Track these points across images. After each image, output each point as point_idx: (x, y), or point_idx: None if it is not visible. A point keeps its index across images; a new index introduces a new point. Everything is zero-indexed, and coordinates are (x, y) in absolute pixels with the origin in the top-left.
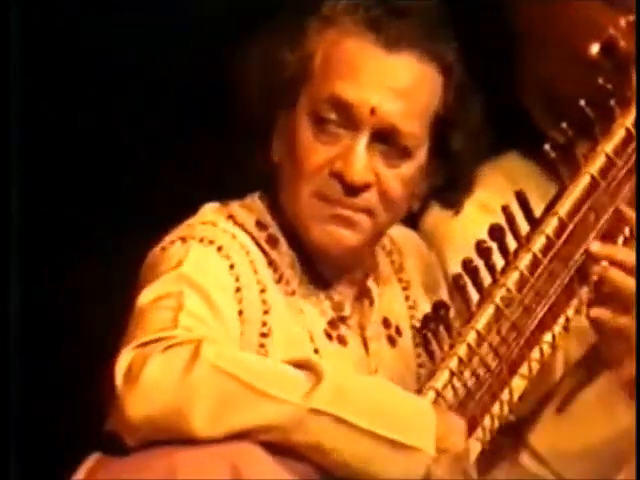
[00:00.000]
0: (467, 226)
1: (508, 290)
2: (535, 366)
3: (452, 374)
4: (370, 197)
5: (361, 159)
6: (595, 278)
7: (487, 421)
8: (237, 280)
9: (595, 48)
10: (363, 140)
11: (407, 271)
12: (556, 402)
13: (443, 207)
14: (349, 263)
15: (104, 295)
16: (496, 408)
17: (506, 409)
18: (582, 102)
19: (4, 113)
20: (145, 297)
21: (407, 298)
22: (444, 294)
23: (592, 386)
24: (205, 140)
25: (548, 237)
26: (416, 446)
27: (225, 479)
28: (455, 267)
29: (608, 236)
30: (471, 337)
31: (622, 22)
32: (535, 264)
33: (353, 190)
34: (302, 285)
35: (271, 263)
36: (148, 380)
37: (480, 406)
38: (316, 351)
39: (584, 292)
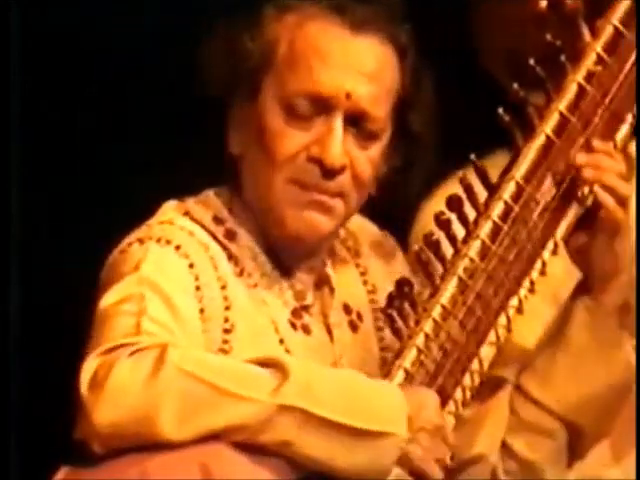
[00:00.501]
0: None
1: (471, 260)
2: (503, 332)
3: (419, 351)
4: (344, 180)
5: (339, 142)
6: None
7: (459, 393)
8: (197, 279)
9: (543, 3)
10: (339, 123)
11: (364, 256)
12: (552, 348)
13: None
14: (314, 250)
15: None
16: (467, 379)
17: (477, 379)
18: (531, 61)
19: (4, 113)
20: (107, 300)
21: (365, 283)
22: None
23: (583, 326)
24: (209, 139)
25: (506, 202)
26: (387, 431)
27: None
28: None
29: (567, 194)
30: (436, 312)
31: None
32: (496, 231)
33: (332, 174)
34: (264, 277)
35: (231, 257)
36: (114, 386)
37: (451, 379)
38: (281, 341)
39: (547, 251)
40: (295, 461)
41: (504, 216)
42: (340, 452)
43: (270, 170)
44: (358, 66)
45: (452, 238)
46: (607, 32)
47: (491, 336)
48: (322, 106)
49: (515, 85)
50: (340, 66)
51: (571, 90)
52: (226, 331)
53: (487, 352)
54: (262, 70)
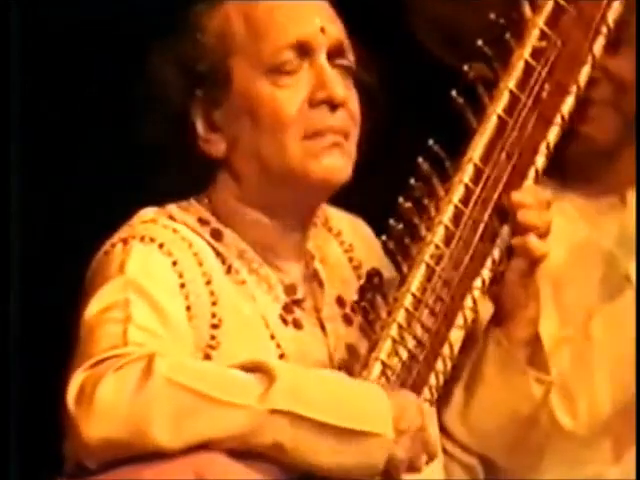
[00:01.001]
0: None
1: (436, 247)
2: (470, 314)
3: (394, 341)
4: (345, 116)
5: (334, 74)
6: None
7: (433, 379)
8: (181, 276)
9: None
10: (323, 58)
11: (357, 251)
12: (464, 380)
13: None
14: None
15: None
16: (439, 365)
17: (449, 364)
18: (480, 42)
19: (4, 113)
20: (92, 309)
21: (360, 277)
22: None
23: (492, 359)
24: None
25: (467, 186)
26: (376, 432)
27: None
28: None
29: (520, 173)
30: (408, 301)
31: None
32: (458, 215)
33: (342, 103)
34: (252, 273)
35: (219, 255)
36: (102, 401)
37: (425, 366)
38: (272, 337)
39: (505, 231)
40: (286, 464)
41: (465, 199)
42: (329, 453)
43: (280, 136)
44: (318, 9)
45: (414, 227)
46: (548, 7)
47: (459, 320)
48: (304, 51)
49: (465, 67)
50: (305, 11)
51: (518, 68)
52: (214, 326)
53: (456, 336)
54: (224, 58)
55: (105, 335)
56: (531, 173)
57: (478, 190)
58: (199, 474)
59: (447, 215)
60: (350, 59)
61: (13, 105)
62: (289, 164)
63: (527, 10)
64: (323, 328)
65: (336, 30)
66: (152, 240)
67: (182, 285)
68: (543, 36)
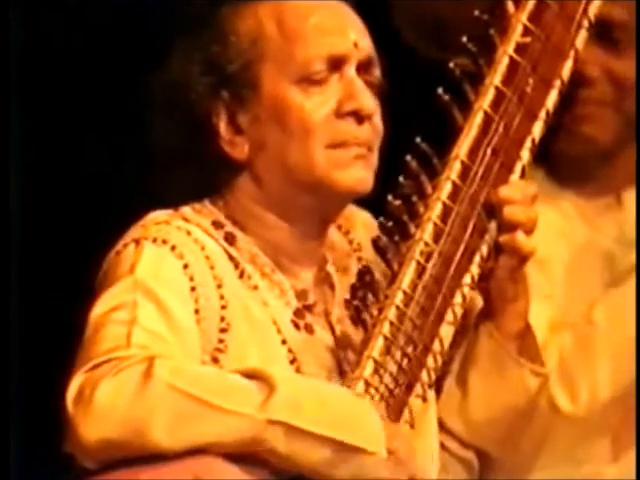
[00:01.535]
0: None
1: (426, 244)
2: (459, 310)
3: (386, 339)
4: (369, 129)
5: (364, 88)
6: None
7: (424, 376)
8: (192, 279)
9: None
10: (353, 71)
11: (365, 249)
12: (454, 373)
13: None
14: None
15: None
16: (430, 361)
17: (440, 360)
18: (464, 39)
19: (4, 113)
20: (99, 309)
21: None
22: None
23: (485, 351)
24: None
25: (454, 182)
26: (370, 449)
27: None
28: None
29: (506, 168)
30: (399, 298)
31: None
32: (446, 212)
33: (369, 117)
34: (265, 278)
35: (232, 258)
36: (101, 402)
37: (417, 363)
38: (284, 342)
39: (493, 227)
40: (283, 469)
41: (453, 196)
42: (324, 465)
43: (306, 144)
44: (352, 22)
45: (404, 224)
46: (530, 3)
47: (448, 316)
48: (336, 63)
49: (451, 64)
50: (340, 23)
51: (503, 64)
52: (222, 330)
53: (447, 332)
54: (255, 61)
55: (109, 336)
56: (517, 168)
57: (465, 187)
58: (197, 476)
59: (436, 212)
60: (377, 74)
61: (13, 105)
62: (315, 172)
63: (510, 6)
64: (333, 331)
65: (368, 45)
66: (164, 242)
67: (192, 288)
68: (527, 32)
